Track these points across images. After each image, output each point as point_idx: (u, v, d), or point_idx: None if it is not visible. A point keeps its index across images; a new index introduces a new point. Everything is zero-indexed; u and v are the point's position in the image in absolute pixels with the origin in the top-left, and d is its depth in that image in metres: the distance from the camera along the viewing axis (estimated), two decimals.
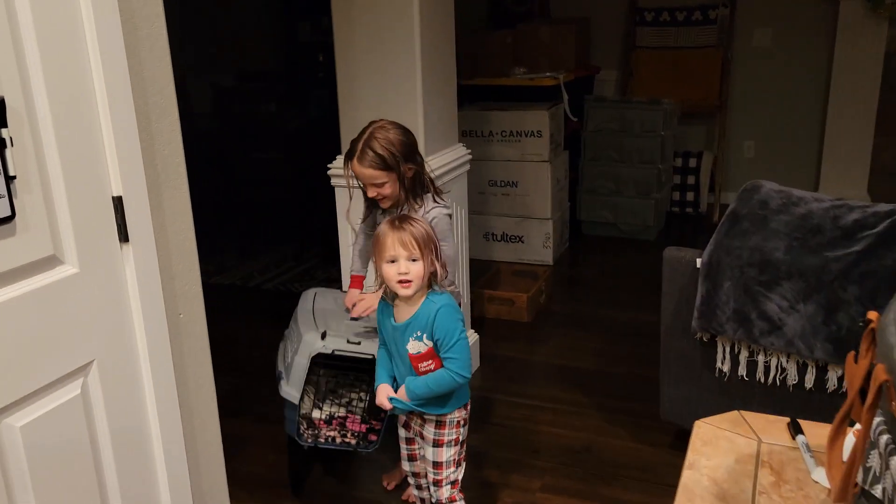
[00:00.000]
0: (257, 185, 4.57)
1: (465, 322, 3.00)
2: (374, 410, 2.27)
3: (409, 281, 1.73)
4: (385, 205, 2.07)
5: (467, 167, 2.91)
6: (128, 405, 1.49)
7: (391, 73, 2.56)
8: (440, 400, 1.79)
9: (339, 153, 2.74)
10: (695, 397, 2.29)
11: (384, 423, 2.21)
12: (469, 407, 1.88)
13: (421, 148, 2.58)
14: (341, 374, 2.39)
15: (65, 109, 1.30)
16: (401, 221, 1.75)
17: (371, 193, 2.03)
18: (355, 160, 2.00)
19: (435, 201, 2.08)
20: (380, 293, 1.86)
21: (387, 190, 2.01)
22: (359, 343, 2.15)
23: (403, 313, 1.75)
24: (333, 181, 2.74)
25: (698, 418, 2.13)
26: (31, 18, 1.23)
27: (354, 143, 2.03)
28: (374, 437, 2.23)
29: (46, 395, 1.33)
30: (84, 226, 1.36)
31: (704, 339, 2.18)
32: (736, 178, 5.22)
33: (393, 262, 1.73)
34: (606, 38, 5.30)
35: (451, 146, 2.83)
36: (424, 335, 1.71)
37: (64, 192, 1.31)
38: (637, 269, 4.32)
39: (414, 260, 1.73)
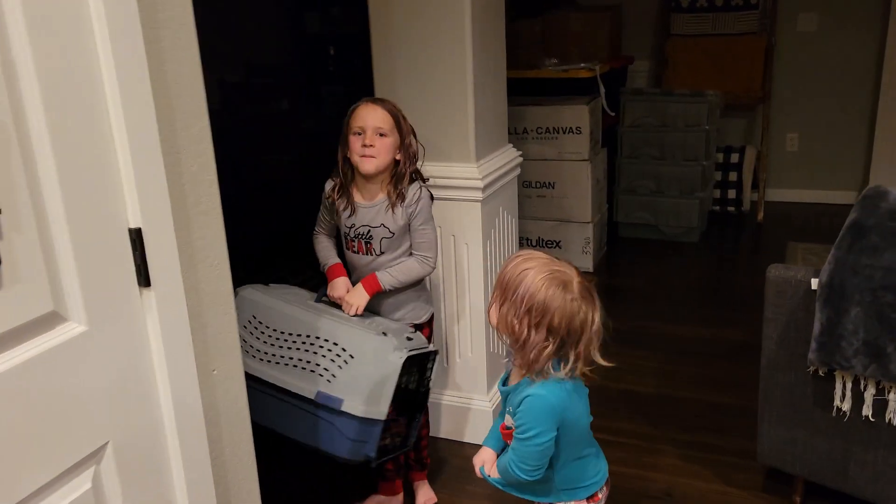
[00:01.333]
0: (268, 192, 4.25)
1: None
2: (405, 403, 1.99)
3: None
4: (369, 167, 1.91)
5: (518, 171, 2.58)
6: (152, 497, 1.16)
7: (437, 65, 2.22)
8: (543, 486, 1.49)
9: None
10: (803, 439, 1.96)
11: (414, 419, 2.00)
12: (601, 499, 1.56)
13: (470, 152, 2.27)
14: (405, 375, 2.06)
15: (65, 116, 0.97)
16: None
17: (368, 140, 1.88)
18: (368, 102, 1.93)
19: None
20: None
21: (386, 144, 1.90)
22: (412, 338, 1.92)
23: (514, 377, 1.48)
24: None
25: (807, 463, 1.81)
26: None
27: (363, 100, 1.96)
28: (404, 431, 1.99)
29: (48, 494, 1.01)
30: (93, 269, 1.03)
31: (821, 372, 1.86)
32: (778, 174, 4.90)
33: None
34: (638, 26, 4.96)
35: (501, 148, 2.50)
36: (513, 415, 1.44)
37: (66, 226, 0.98)
38: (684, 275, 4.00)
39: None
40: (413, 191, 1.97)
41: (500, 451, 1.57)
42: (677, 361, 3.05)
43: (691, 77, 4.70)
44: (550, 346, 1.35)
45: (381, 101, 1.96)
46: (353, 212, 1.99)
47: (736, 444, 2.42)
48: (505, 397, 1.47)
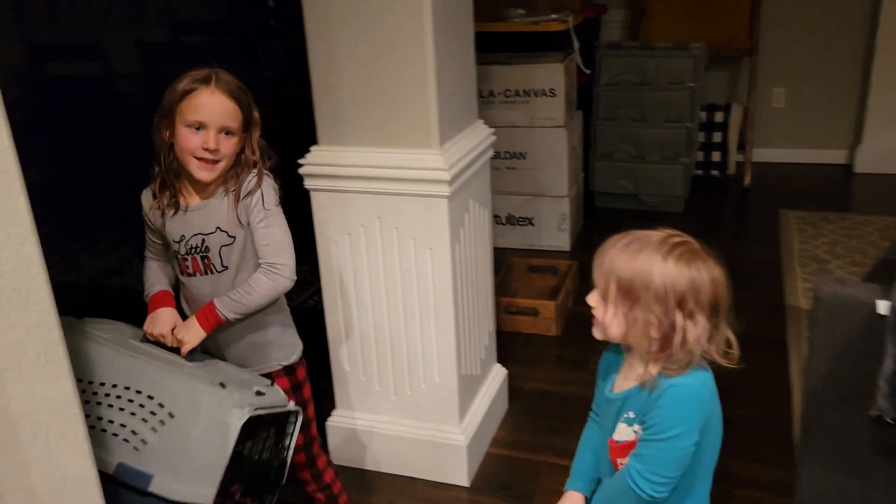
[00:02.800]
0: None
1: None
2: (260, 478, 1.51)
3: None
4: (207, 175, 1.47)
5: (490, 153, 2.11)
6: None
7: (387, 19, 1.73)
8: None
9: (314, 142, 1.92)
10: (856, 491, 1.58)
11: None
12: None
13: (431, 134, 1.80)
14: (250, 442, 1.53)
15: None
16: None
17: (211, 142, 1.44)
18: (212, 87, 1.44)
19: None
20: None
21: (231, 145, 1.48)
22: (264, 393, 1.42)
23: (628, 380, 1.21)
24: (308, 182, 1.92)
25: None
26: None
27: (193, 73, 1.46)
28: None
29: None
30: None
31: (889, 419, 1.47)
32: (765, 133, 4.50)
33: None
34: None
35: (471, 125, 2.03)
36: (637, 419, 1.18)
37: None
38: None
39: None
40: (248, 178, 1.52)
41: (591, 493, 1.33)
42: None
43: (670, 28, 4.24)
44: (709, 329, 1.14)
45: (228, 85, 1.46)
46: (181, 219, 1.53)
47: (765, 476, 2.05)
48: (620, 404, 1.21)
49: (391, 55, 1.75)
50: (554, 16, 3.52)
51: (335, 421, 2.15)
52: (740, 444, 2.18)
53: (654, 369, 1.15)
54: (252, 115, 1.52)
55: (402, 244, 1.89)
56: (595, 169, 4.01)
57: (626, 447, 1.19)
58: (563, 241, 3.58)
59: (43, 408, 0.90)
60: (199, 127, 1.43)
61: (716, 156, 4.36)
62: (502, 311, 2.87)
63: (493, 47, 3.47)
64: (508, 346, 2.78)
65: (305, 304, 3.27)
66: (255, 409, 1.35)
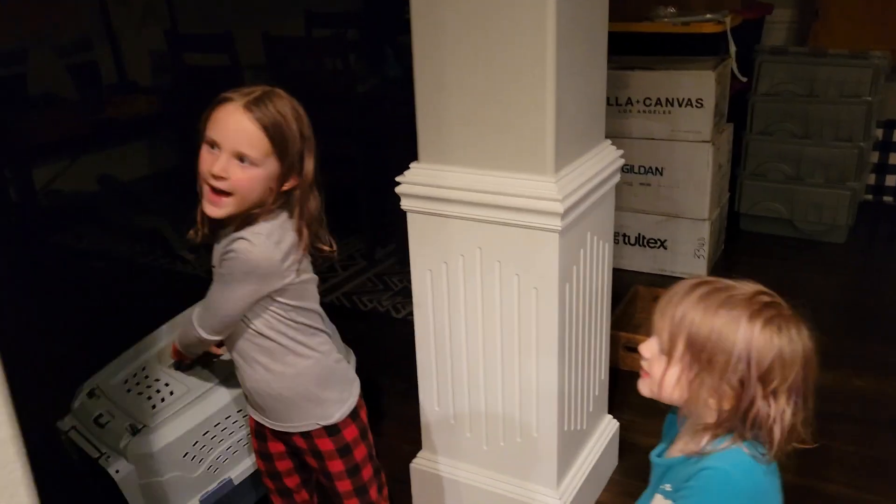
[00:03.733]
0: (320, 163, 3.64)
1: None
2: None
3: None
4: (215, 211, 1.25)
5: (617, 178, 1.83)
6: None
7: (502, 22, 1.49)
8: None
9: (416, 158, 1.72)
10: None
11: None
12: None
13: (545, 159, 1.55)
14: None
15: None
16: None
17: (219, 167, 1.22)
18: (235, 101, 1.23)
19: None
20: None
21: (251, 177, 1.23)
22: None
23: (681, 446, 1.06)
24: (405, 203, 1.72)
25: None
26: None
27: (240, 88, 1.26)
28: None
29: None
30: None
31: None
32: None
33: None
34: None
35: (595, 147, 1.75)
36: (672, 494, 1.03)
37: None
38: (826, 287, 3.13)
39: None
40: (241, 235, 1.26)
41: None
42: (819, 429, 2.26)
43: (846, 32, 3.71)
44: (793, 408, 0.97)
45: (261, 111, 1.22)
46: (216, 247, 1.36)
47: None
48: (662, 473, 1.08)
49: (505, 64, 1.50)
50: (709, 16, 3.14)
51: (419, 464, 1.95)
52: None
53: (704, 439, 0.99)
54: (288, 143, 1.25)
55: (504, 279, 1.65)
56: (743, 189, 3.58)
57: None
58: (699, 269, 3.20)
59: None
60: (213, 146, 1.24)
61: (891, 180, 3.79)
62: (621, 347, 2.57)
63: (635, 49, 3.16)
64: (624, 389, 2.47)
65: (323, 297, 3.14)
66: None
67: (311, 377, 1.37)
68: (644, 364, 1.04)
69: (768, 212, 3.55)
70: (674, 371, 0.99)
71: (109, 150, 4.58)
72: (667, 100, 3.00)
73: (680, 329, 0.97)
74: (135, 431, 1.59)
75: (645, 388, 1.04)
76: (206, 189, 1.25)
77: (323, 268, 3.49)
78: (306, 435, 1.38)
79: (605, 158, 1.75)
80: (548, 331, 1.64)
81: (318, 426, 1.38)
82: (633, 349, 2.55)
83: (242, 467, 1.73)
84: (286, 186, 1.28)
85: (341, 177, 3.53)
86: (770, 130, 3.47)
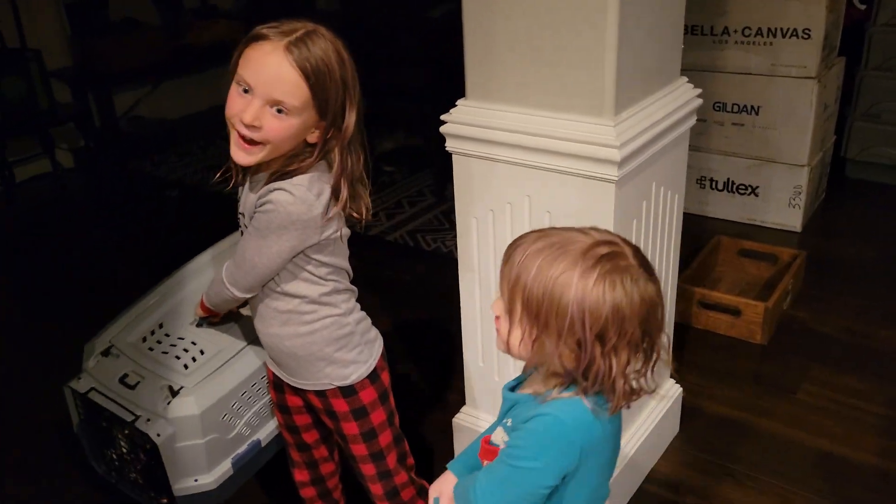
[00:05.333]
0: (388, 94, 3.48)
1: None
2: None
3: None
4: (244, 158, 1.14)
5: (692, 121, 1.61)
6: None
7: None
8: None
9: (462, 94, 1.56)
10: None
11: None
12: None
13: (606, 97, 1.36)
14: None
15: None
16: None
17: (250, 115, 1.10)
18: (278, 43, 1.08)
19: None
20: None
21: (286, 127, 1.11)
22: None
23: (533, 386, 1.01)
24: (450, 144, 1.57)
25: None
26: None
27: (279, 23, 1.12)
28: None
29: None
30: None
31: None
32: None
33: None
34: None
35: (665, 85, 1.54)
36: (510, 431, 1.00)
37: None
38: None
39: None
40: (280, 186, 1.15)
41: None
42: None
43: None
44: (634, 361, 0.94)
45: (302, 54, 1.08)
46: (243, 190, 1.26)
47: None
48: (509, 407, 1.04)
49: None
50: None
51: (462, 419, 1.86)
52: None
53: (551, 385, 0.96)
54: (333, 109, 1.13)
55: None
56: (852, 132, 3.21)
57: (493, 453, 1.02)
58: (793, 220, 2.91)
59: None
60: (245, 88, 1.11)
61: None
62: (695, 304, 2.37)
63: None
64: (694, 349, 2.29)
65: (387, 234, 3.01)
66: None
67: (325, 337, 1.27)
68: (495, 322, 0.98)
69: (880, 158, 3.18)
70: (517, 332, 0.94)
71: (190, 77, 4.59)
72: (769, 29, 2.68)
73: (516, 291, 0.93)
74: (174, 393, 1.55)
75: (500, 345, 0.99)
76: (234, 134, 1.14)
77: (390, 203, 3.40)
78: (321, 394, 1.31)
79: (678, 98, 1.53)
80: None
81: (332, 386, 1.30)
82: (709, 306, 2.35)
83: (269, 428, 1.68)
84: (319, 139, 1.16)
85: (411, 108, 3.39)
86: (889, 66, 3.07)
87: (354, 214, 1.23)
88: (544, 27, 1.36)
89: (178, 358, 1.62)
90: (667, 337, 0.99)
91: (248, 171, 1.22)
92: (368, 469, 1.37)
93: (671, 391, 1.91)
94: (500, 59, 1.44)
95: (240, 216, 1.29)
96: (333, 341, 1.27)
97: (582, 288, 0.89)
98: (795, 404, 2.04)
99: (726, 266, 2.64)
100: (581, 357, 0.91)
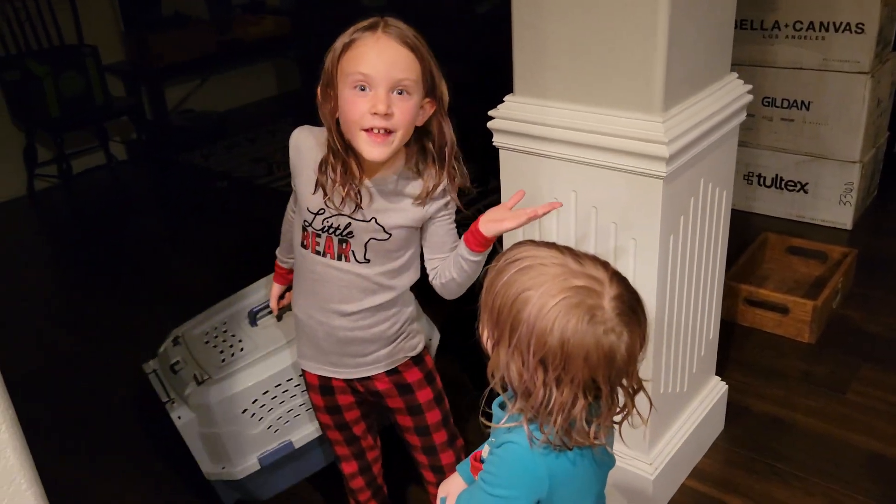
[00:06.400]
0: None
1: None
2: None
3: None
4: (378, 153, 1.16)
5: (741, 117, 1.60)
6: None
7: None
8: None
9: (505, 89, 1.58)
10: None
11: None
12: None
13: (655, 93, 1.36)
14: None
15: None
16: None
17: (381, 103, 1.12)
18: (379, 32, 1.13)
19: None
20: None
21: (410, 107, 1.15)
22: None
23: (516, 406, 0.97)
24: (497, 139, 1.59)
25: None
26: None
27: (356, 25, 1.16)
28: None
29: None
30: None
31: None
32: None
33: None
34: None
35: (715, 81, 1.53)
36: (490, 452, 0.99)
37: None
38: None
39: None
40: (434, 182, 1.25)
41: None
42: None
43: None
44: (581, 403, 0.89)
45: (399, 30, 1.14)
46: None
47: None
48: (497, 422, 1.01)
49: None
50: None
51: None
52: None
53: (517, 408, 0.93)
54: (435, 80, 1.19)
55: (600, 228, 1.50)
56: None
57: (479, 471, 1.00)
58: (843, 217, 2.86)
59: None
60: (364, 86, 1.13)
61: None
62: (741, 301, 2.35)
63: None
64: (739, 347, 2.27)
65: None
66: None
67: (409, 313, 1.35)
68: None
69: None
70: (485, 333, 0.96)
71: (238, 71, 4.67)
72: (821, 24, 2.64)
73: (489, 292, 0.93)
74: (199, 382, 1.61)
75: (492, 360, 0.99)
76: (362, 136, 1.15)
77: None
78: (393, 371, 1.35)
79: (727, 94, 1.53)
80: (646, 285, 1.49)
81: (406, 358, 1.36)
82: (756, 303, 2.33)
83: (304, 432, 1.70)
84: (426, 115, 1.21)
85: (455, 102, 3.41)
86: None
87: (467, 185, 1.31)
88: (594, 23, 1.36)
89: (221, 352, 1.69)
90: (646, 394, 0.97)
91: (357, 182, 1.21)
92: (440, 436, 1.42)
93: (716, 388, 1.90)
94: (549, 56, 1.45)
95: (338, 216, 1.24)
96: (414, 316, 1.36)
97: (538, 309, 0.87)
98: (845, 404, 2.02)
99: (774, 263, 2.61)
100: (525, 378, 0.90)
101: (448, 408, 1.46)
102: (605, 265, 0.93)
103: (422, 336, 1.40)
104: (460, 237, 1.28)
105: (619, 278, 0.93)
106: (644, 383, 0.98)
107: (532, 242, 0.96)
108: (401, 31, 1.14)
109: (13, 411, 0.59)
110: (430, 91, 1.19)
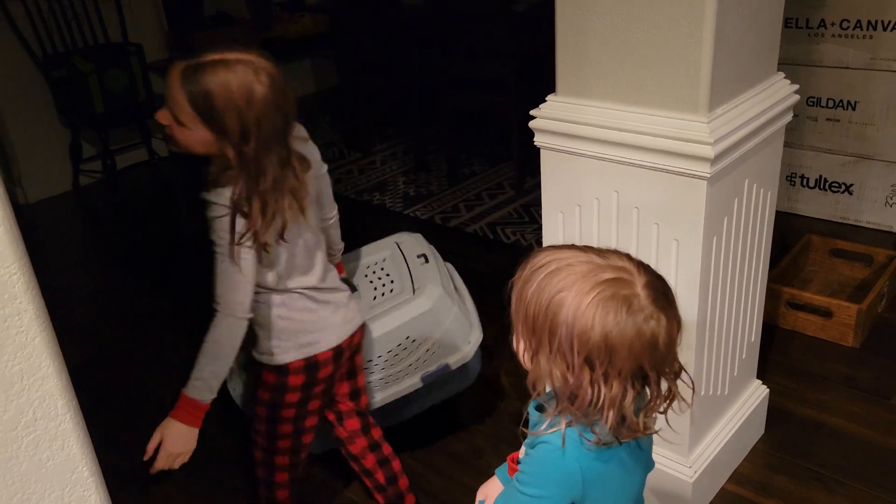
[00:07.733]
0: (471, 87, 3.51)
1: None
2: None
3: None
4: (172, 145, 1.35)
5: (788, 117, 1.58)
6: None
7: None
8: None
9: (544, 87, 1.57)
10: None
11: None
12: None
13: (700, 93, 1.35)
14: None
15: None
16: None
17: (158, 113, 1.31)
18: (184, 67, 1.25)
19: None
20: None
21: (186, 137, 1.31)
22: None
23: (553, 405, 0.98)
24: (539, 139, 1.59)
25: None
26: None
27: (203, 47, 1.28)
28: None
29: None
30: None
31: None
32: None
33: None
34: None
35: (761, 81, 1.51)
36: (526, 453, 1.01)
37: None
38: None
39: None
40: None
41: None
42: None
43: None
44: (630, 395, 0.89)
45: (193, 77, 1.24)
46: None
47: None
48: (532, 425, 1.00)
49: None
50: None
51: None
52: None
53: (553, 412, 0.93)
54: (224, 121, 1.26)
55: (642, 228, 1.49)
56: None
57: (516, 472, 1.00)
58: (890, 220, 2.80)
59: None
60: None
61: None
62: (783, 304, 2.31)
63: None
64: (783, 350, 2.24)
65: (467, 227, 2.99)
66: None
67: None
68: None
69: None
70: (521, 344, 0.94)
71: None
72: (868, 22, 2.58)
73: (520, 302, 0.92)
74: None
75: (527, 366, 0.99)
76: None
77: (469, 195, 3.43)
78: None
79: (774, 94, 1.50)
80: (688, 286, 1.48)
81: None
82: (798, 306, 2.29)
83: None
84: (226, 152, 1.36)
85: (493, 101, 3.41)
86: None
87: None
88: (638, 23, 1.35)
89: None
90: (688, 377, 0.97)
91: None
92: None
93: (757, 391, 1.88)
94: (592, 56, 1.44)
95: None
96: None
97: (574, 309, 0.87)
98: (890, 410, 1.98)
99: (817, 266, 2.57)
100: (570, 380, 0.89)
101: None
102: (627, 256, 0.93)
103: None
104: None
105: (644, 266, 0.92)
106: (684, 387, 0.98)
107: (551, 247, 0.96)
108: (198, 81, 1.26)
109: (76, 402, 0.61)
110: (219, 133, 1.30)
